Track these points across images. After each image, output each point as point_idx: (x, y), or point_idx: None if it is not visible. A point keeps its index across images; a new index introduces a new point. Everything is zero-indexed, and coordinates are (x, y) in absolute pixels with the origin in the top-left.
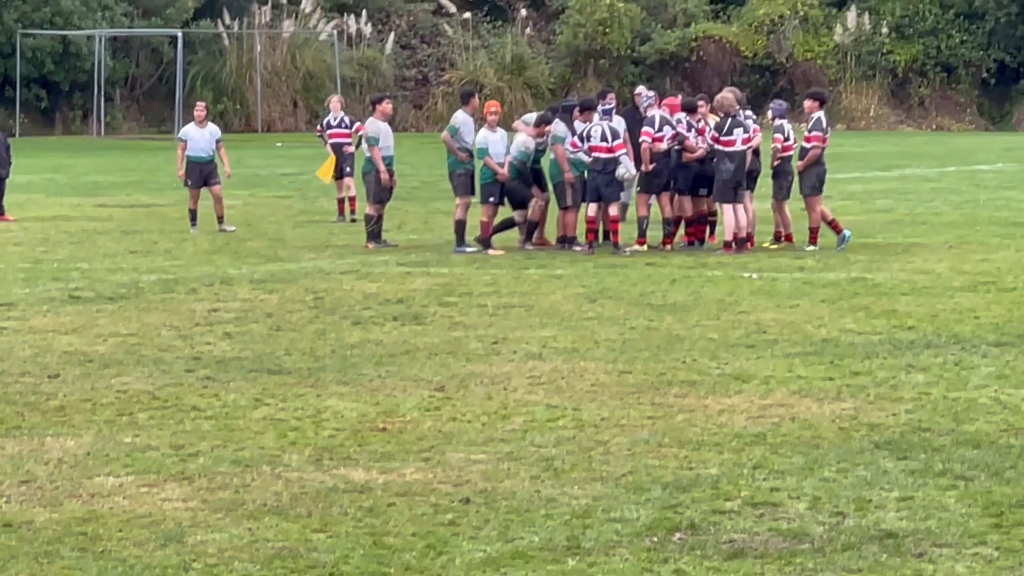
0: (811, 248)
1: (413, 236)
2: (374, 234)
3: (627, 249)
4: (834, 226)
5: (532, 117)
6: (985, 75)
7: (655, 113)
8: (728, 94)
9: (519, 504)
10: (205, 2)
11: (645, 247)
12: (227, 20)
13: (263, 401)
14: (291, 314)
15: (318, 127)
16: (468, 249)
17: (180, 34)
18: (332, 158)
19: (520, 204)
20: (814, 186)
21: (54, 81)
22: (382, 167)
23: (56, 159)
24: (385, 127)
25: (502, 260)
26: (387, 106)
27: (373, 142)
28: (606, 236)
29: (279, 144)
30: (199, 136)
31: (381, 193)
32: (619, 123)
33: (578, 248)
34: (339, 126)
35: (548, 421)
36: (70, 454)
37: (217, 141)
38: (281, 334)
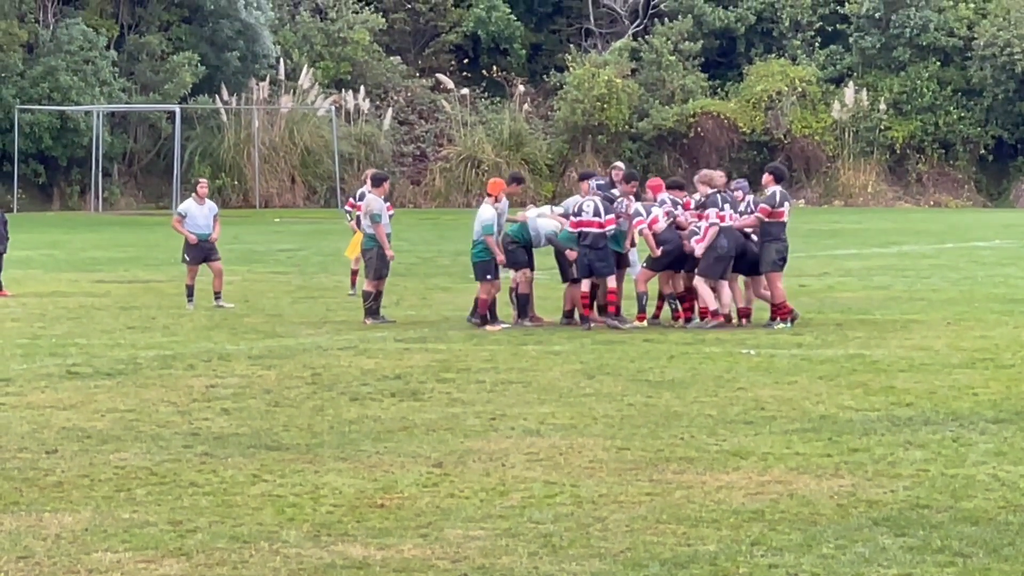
0: (780, 325)
1: (411, 312)
2: (372, 310)
3: (624, 324)
4: (784, 309)
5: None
6: (983, 151)
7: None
8: (711, 170)
9: None
10: (203, 78)
11: (644, 323)
12: (225, 96)
13: (261, 477)
14: (289, 390)
15: (349, 201)
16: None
17: (178, 110)
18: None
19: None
20: (775, 262)
21: (52, 156)
22: (386, 244)
23: (54, 235)
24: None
25: (500, 336)
26: (387, 186)
27: (377, 219)
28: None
29: (277, 219)
30: (199, 212)
31: (382, 269)
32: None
33: (616, 323)
34: None
35: (546, 497)
36: (68, 530)
37: (215, 216)
38: (279, 410)
